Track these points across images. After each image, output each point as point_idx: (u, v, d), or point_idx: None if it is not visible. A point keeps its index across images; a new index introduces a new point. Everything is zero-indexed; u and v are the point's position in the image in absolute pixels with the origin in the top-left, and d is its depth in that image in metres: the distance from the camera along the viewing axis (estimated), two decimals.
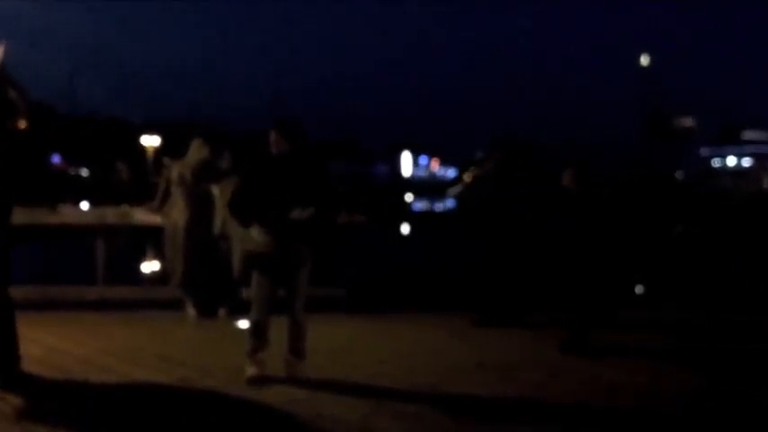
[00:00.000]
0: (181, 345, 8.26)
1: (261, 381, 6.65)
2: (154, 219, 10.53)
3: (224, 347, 8.13)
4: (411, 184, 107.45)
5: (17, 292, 10.63)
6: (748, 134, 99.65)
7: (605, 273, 7.99)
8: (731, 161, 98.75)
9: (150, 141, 75.77)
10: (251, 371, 6.73)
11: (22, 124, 6.31)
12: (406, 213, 55.27)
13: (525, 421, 5.91)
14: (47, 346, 8.04)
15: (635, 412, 6.18)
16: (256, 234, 6.79)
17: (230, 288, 9.83)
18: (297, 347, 6.89)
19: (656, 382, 7.01)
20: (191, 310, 9.79)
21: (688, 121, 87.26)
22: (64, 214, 11.99)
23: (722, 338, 8.96)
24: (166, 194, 10.09)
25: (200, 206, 9.81)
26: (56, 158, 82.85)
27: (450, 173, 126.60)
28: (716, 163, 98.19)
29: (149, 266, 16.50)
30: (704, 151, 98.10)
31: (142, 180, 54.72)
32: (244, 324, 9.15)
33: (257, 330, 6.84)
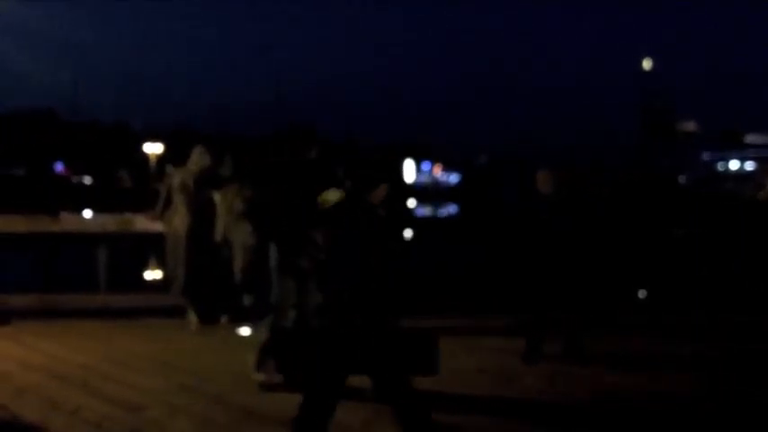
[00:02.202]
0: (182, 352, 8.28)
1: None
2: (156, 226, 10.55)
3: (225, 354, 8.15)
4: (414, 190, 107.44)
5: (19, 300, 10.74)
6: (750, 138, 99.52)
7: (601, 274, 8.01)
8: (734, 165, 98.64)
9: (153, 149, 75.80)
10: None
11: None
12: (410, 219, 55.27)
13: (526, 425, 5.92)
14: (48, 353, 8.06)
15: (636, 414, 6.19)
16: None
17: (232, 295, 9.84)
18: None
19: (656, 385, 7.02)
20: (192, 318, 9.79)
21: (690, 125, 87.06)
22: (66, 222, 12.02)
23: (722, 339, 8.97)
24: (168, 202, 10.10)
25: (201, 213, 9.83)
26: (59, 166, 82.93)
27: (453, 178, 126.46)
28: (719, 167, 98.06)
29: (151, 274, 16.53)
30: (706, 155, 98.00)
31: (144, 187, 54.76)
32: (245, 331, 9.17)
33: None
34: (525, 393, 6.70)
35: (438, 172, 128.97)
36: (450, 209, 75.87)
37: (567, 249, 7.83)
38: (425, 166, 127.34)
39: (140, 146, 78.32)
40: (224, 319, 9.75)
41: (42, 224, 11.58)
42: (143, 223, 11.09)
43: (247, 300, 9.93)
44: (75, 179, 78.51)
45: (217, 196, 9.88)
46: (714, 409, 6.32)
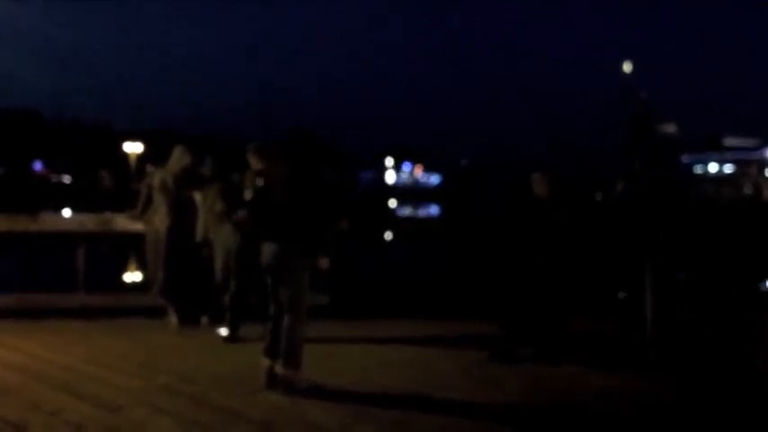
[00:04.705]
0: (163, 352, 8.25)
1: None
2: (136, 226, 10.50)
3: (206, 355, 8.12)
4: (395, 190, 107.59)
5: None
6: (729, 141, 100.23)
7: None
8: (713, 168, 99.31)
9: (133, 148, 75.48)
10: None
11: None
12: (390, 219, 55.36)
13: (510, 428, 5.92)
14: (28, 353, 8.02)
15: (623, 416, 6.20)
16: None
17: (212, 295, 9.81)
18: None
19: (642, 385, 7.03)
20: (172, 318, 9.76)
21: (671, 127, 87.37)
22: (45, 221, 11.93)
23: (714, 338, 8.99)
24: (148, 201, 10.07)
25: (182, 213, 9.80)
26: (38, 165, 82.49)
27: (434, 179, 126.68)
28: (698, 170, 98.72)
29: (131, 274, 16.46)
30: (685, 158, 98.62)
31: (124, 187, 54.54)
32: (225, 332, 9.15)
33: None
34: (509, 396, 6.70)
35: (419, 173, 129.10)
36: (432, 210, 76.01)
37: (559, 249, 7.88)
38: (406, 166, 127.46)
39: (121, 145, 77.94)
40: (204, 320, 9.72)
41: (21, 223, 11.49)
42: (123, 223, 11.04)
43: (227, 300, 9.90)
44: (54, 178, 78.14)
45: (197, 196, 9.84)
46: (703, 408, 6.35)
